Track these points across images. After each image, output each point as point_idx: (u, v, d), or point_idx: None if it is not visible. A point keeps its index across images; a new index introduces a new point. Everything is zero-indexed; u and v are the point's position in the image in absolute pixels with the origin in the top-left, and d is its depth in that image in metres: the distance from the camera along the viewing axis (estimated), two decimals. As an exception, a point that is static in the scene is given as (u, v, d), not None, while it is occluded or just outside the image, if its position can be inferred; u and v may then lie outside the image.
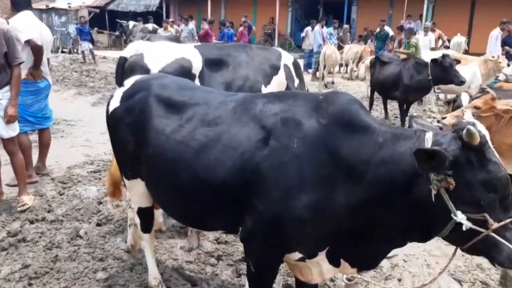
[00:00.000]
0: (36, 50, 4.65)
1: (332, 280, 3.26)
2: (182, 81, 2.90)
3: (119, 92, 2.87)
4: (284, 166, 2.14)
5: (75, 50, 20.31)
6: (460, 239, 1.91)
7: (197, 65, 4.15)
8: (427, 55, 9.60)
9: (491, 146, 1.87)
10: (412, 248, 3.73)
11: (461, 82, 7.14)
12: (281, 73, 4.51)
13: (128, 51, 4.21)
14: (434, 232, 2.00)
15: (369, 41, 17.93)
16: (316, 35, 15.04)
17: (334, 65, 14.38)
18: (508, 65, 8.71)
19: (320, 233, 2.17)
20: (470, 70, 8.99)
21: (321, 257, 2.28)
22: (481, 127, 1.88)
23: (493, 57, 9.60)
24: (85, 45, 16.80)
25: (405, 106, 8.22)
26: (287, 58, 4.62)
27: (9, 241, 3.68)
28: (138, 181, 2.81)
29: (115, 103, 2.82)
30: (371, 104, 9.39)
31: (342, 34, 17.50)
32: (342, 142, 2.11)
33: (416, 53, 9.35)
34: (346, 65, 16.17)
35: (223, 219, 2.46)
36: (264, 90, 4.33)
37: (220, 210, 2.41)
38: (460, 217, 1.81)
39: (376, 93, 9.21)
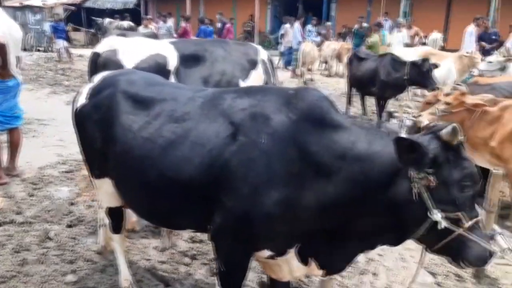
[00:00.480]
0: None
1: (307, 276, 3.24)
2: (150, 76, 2.84)
3: (86, 89, 2.80)
4: (252, 162, 2.10)
5: (50, 48, 19.86)
6: (433, 238, 1.91)
7: (172, 62, 4.09)
8: (401, 52, 9.71)
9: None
10: (387, 242, 3.73)
11: (433, 90, 7.17)
12: (260, 67, 4.48)
13: (102, 47, 4.12)
14: (408, 233, 1.99)
15: (347, 38, 18.02)
16: (296, 32, 15.06)
17: (312, 62, 14.42)
18: (482, 60, 8.85)
19: (290, 230, 2.14)
20: (445, 66, 9.10)
21: (291, 254, 2.26)
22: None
23: (467, 53, 9.75)
24: (60, 43, 16.43)
25: (382, 102, 8.26)
26: (263, 53, 4.61)
27: (-25, 244, 3.55)
28: (106, 180, 2.73)
29: (82, 100, 2.75)
30: (349, 100, 9.43)
31: (325, 32, 17.58)
32: (312, 138, 2.07)
33: (374, 49, 9.50)
34: (325, 62, 16.21)
35: (192, 217, 2.41)
36: (242, 84, 4.29)
37: (188, 208, 2.36)
38: (437, 216, 1.82)
39: (355, 89, 9.25)
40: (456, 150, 1.85)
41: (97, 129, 2.64)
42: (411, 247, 3.77)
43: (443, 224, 1.82)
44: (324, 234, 2.15)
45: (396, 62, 7.73)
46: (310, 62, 13.93)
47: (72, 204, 4.37)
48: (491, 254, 1.87)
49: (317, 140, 2.07)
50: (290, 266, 2.33)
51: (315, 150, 2.05)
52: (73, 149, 6.15)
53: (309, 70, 14.58)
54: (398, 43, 12.47)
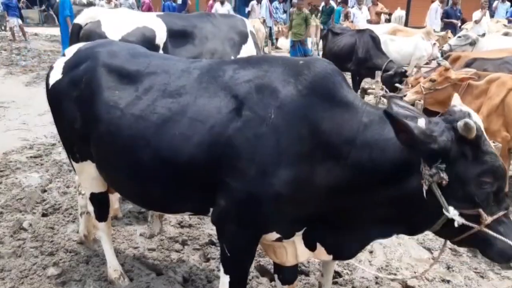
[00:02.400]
0: None
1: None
2: (133, 47, 2.60)
3: (60, 63, 2.54)
4: (260, 139, 1.93)
5: (3, 27, 18.63)
6: (451, 233, 1.80)
7: (161, 36, 3.85)
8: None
9: (486, 136, 1.72)
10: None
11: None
12: (250, 40, 4.28)
13: (83, 18, 3.83)
14: (423, 227, 1.89)
15: (313, 16, 17.85)
16: (264, 9, 14.79)
17: (262, 40, 14.13)
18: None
19: (298, 213, 2.00)
20: (412, 42, 9.15)
21: (298, 238, 2.13)
22: (476, 117, 1.73)
23: (434, 30, 9.85)
24: (14, 21, 15.44)
25: (357, 78, 8.19)
26: (249, 24, 4.39)
27: None
28: (89, 163, 2.50)
29: (56, 75, 2.48)
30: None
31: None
32: (323, 115, 1.92)
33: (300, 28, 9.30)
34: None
35: (191, 200, 2.23)
36: None
37: (187, 191, 2.17)
38: (452, 213, 1.70)
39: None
40: (475, 143, 1.67)
41: (76, 107, 2.39)
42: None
43: (459, 221, 1.70)
44: (332, 220, 2.03)
45: (377, 49, 7.65)
46: (261, 38, 13.66)
47: (44, 191, 4.05)
48: None
49: (328, 117, 1.91)
50: (296, 249, 2.20)
51: (325, 129, 1.90)
52: (39, 133, 5.77)
53: (277, 48, 14.36)
54: (363, 20, 12.54)
